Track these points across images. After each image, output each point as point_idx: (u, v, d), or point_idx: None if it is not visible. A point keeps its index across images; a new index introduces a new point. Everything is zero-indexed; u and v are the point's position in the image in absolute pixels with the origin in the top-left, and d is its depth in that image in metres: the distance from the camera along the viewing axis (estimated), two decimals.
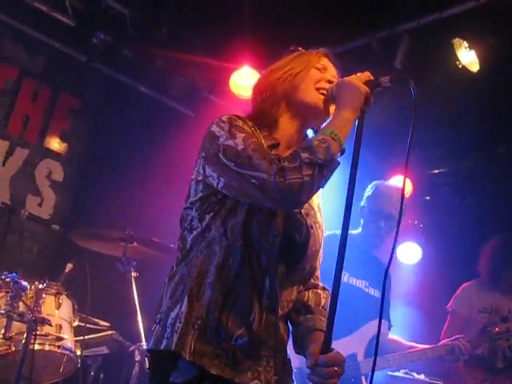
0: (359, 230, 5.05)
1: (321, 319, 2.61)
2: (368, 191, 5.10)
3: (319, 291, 2.73)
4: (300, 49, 2.80)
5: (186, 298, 2.37)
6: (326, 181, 2.36)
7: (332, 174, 2.36)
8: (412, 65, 5.80)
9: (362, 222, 5.04)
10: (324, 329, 2.50)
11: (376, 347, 2.52)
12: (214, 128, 2.45)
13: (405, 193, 2.58)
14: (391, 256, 2.47)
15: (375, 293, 4.91)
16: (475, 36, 5.45)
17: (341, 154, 2.39)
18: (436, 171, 7.60)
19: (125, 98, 6.72)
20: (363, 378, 4.69)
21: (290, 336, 2.64)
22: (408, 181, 7.16)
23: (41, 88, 6.43)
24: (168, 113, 7.02)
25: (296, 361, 2.75)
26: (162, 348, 2.35)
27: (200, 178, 2.48)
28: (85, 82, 6.69)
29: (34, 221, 6.10)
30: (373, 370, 2.64)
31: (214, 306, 2.37)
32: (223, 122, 2.46)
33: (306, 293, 2.70)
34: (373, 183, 5.17)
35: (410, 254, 7.20)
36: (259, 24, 5.89)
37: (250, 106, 2.73)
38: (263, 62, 6.13)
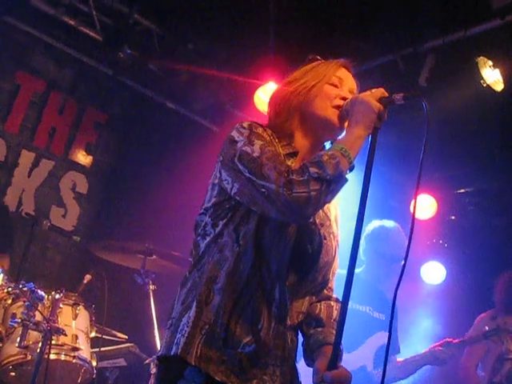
0: (363, 267, 5.20)
1: (331, 332, 2.59)
2: (367, 231, 5.25)
3: (332, 303, 2.71)
4: (318, 58, 2.79)
5: (195, 303, 2.38)
6: (333, 196, 2.36)
7: (339, 190, 2.35)
8: (436, 83, 5.78)
9: (364, 259, 5.21)
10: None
11: (386, 357, 2.51)
12: (234, 133, 2.48)
13: (414, 217, 2.55)
14: (400, 277, 2.43)
15: (380, 316, 5.04)
16: (500, 55, 5.41)
17: (350, 171, 2.38)
18: (462, 190, 7.53)
19: (150, 112, 6.77)
20: None
21: (300, 348, 2.63)
22: (433, 200, 7.12)
23: (67, 101, 6.50)
24: (192, 127, 7.06)
25: None
26: (171, 354, 2.35)
27: (216, 181, 2.51)
28: (111, 95, 6.76)
29: (57, 232, 6.15)
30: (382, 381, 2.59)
31: (223, 311, 2.37)
32: (244, 128, 2.48)
33: (319, 304, 2.68)
34: (371, 224, 5.31)
35: (434, 273, 7.15)
36: (285, 40, 5.91)
37: (266, 118, 2.74)
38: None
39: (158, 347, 4.76)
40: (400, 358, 5.19)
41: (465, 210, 7.62)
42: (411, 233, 2.49)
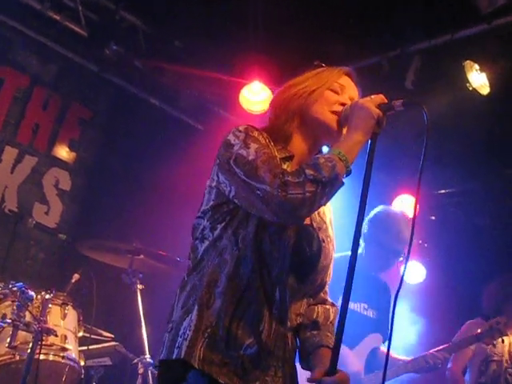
0: (360, 251, 5.02)
1: (327, 335, 2.63)
2: (370, 216, 5.11)
3: (328, 306, 2.74)
4: (323, 65, 2.81)
5: (196, 307, 2.39)
6: (329, 199, 2.40)
7: (335, 193, 2.39)
8: (422, 85, 5.82)
9: (363, 244, 5.06)
10: (330, 345, 2.56)
11: (386, 364, 2.51)
12: (231, 137, 2.49)
13: (415, 217, 2.57)
14: (401, 280, 2.46)
15: (373, 314, 5.00)
16: (486, 59, 5.48)
17: (347, 175, 2.40)
18: (442, 191, 7.61)
19: (135, 109, 6.74)
20: None
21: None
22: (413, 200, 7.18)
23: (51, 97, 6.43)
24: (177, 126, 7.04)
25: None
26: (173, 357, 2.35)
27: (213, 184, 2.52)
28: (96, 92, 6.70)
29: (40, 229, 6.11)
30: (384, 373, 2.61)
31: (224, 314, 2.38)
32: (240, 131, 2.50)
33: (316, 307, 2.71)
34: (376, 209, 5.17)
35: (414, 273, 7.20)
36: (270, 40, 5.92)
37: (265, 119, 2.76)
38: (273, 77, 6.18)
39: (146, 346, 4.77)
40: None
41: (445, 210, 7.70)
42: (411, 239, 2.52)
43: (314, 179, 2.29)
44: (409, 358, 5.14)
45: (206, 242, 2.50)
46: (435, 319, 7.03)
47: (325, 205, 2.47)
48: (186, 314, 2.41)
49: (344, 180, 2.39)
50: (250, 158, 2.37)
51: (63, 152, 6.48)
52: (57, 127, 6.46)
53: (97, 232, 6.02)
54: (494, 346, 5.32)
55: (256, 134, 2.50)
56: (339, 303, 2.45)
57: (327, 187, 2.32)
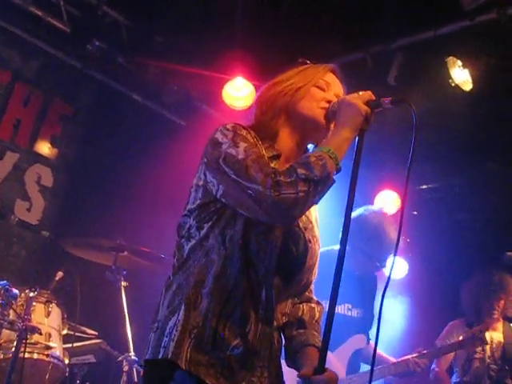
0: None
1: (313, 334, 2.63)
2: (356, 221, 4.81)
3: (313, 305, 2.74)
4: (308, 62, 2.81)
5: (182, 307, 2.37)
6: (321, 197, 2.37)
7: (327, 191, 2.37)
8: (405, 81, 5.84)
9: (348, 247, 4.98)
10: (316, 344, 2.56)
11: (372, 363, 2.55)
12: (218, 135, 2.47)
13: (402, 216, 2.57)
14: (388, 279, 2.45)
15: (358, 313, 4.96)
16: (469, 55, 5.50)
17: (336, 172, 2.39)
18: (424, 186, 7.65)
19: (118, 105, 6.71)
20: None
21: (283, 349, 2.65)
22: (395, 195, 7.21)
23: (33, 93, 6.38)
24: (160, 122, 7.01)
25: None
26: (159, 357, 2.34)
27: (200, 183, 2.49)
28: (78, 88, 6.66)
29: (22, 226, 6.07)
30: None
31: (211, 315, 2.36)
32: (227, 129, 2.47)
33: (301, 306, 2.70)
34: (357, 212, 4.96)
35: (396, 268, 7.23)
36: (253, 36, 5.91)
37: (250, 117, 2.73)
38: (256, 73, 6.18)
39: (130, 344, 4.75)
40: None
41: (427, 205, 7.73)
42: (398, 238, 2.52)
43: (306, 178, 2.28)
44: (393, 359, 5.13)
45: (193, 241, 2.47)
46: (418, 314, 7.07)
47: (317, 203, 2.45)
48: (172, 313, 2.39)
49: (334, 178, 2.38)
50: (240, 157, 2.35)
51: (45, 148, 6.44)
52: (38, 123, 6.42)
53: (80, 229, 5.99)
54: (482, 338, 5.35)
55: (244, 132, 2.48)
56: (325, 305, 2.45)
57: (319, 186, 2.31)
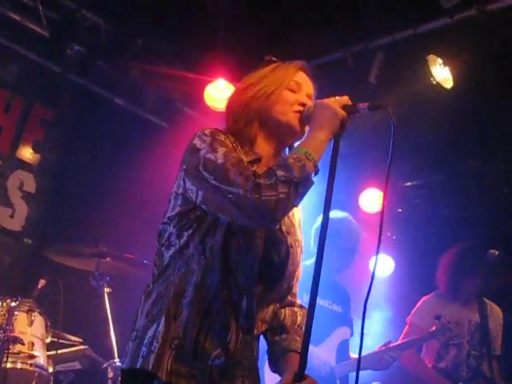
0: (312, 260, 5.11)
1: (296, 339, 2.61)
2: (318, 224, 5.10)
3: (295, 309, 2.73)
4: (275, 60, 2.78)
5: (163, 318, 2.35)
6: (301, 199, 2.37)
7: (307, 192, 2.36)
8: (386, 80, 5.84)
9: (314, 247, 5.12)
10: (299, 350, 2.52)
11: (359, 353, 2.53)
12: (196, 141, 2.45)
13: (383, 212, 2.57)
14: (372, 276, 2.47)
15: (338, 309, 5.17)
16: (450, 53, 5.51)
17: (315, 174, 2.39)
18: (408, 184, 7.66)
19: (99, 109, 6.65)
20: (338, 382, 4.91)
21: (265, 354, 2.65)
22: (380, 193, 7.22)
23: (13, 99, 6.32)
24: (142, 125, 6.97)
25: None
26: (137, 367, 2.32)
27: (180, 191, 2.48)
28: (58, 93, 6.60)
29: (5, 233, 6.02)
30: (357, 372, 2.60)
31: (192, 325, 2.35)
32: (205, 135, 2.45)
33: (283, 310, 2.69)
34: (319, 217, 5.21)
35: (382, 266, 7.23)
36: (234, 37, 5.90)
37: (223, 122, 2.71)
38: (238, 74, 6.11)
39: (115, 350, 4.75)
40: (353, 355, 5.27)
41: (412, 202, 7.75)
42: (380, 234, 2.51)
43: (286, 180, 2.27)
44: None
45: (173, 249, 2.46)
46: (404, 311, 7.07)
47: (297, 205, 2.45)
48: (151, 322, 2.38)
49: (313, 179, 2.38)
50: (219, 161, 2.34)
51: (27, 154, 6.38)
52: (20, 129, 6.35)
53: (62, 235, 5.96)
54: (451, 325, 5.33)
55: (223, 137, 2.47)
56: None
57: (299, 187, 2.30)
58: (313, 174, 2.37)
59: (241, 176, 2.28)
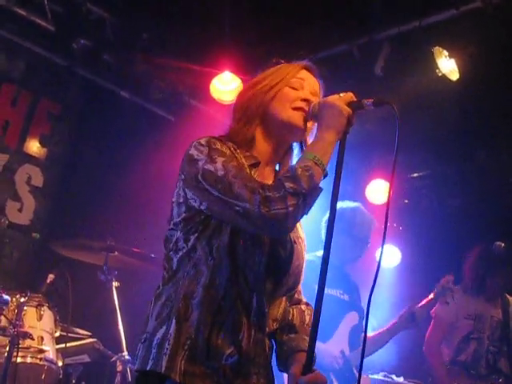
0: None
1: (304, 338, 2.61)
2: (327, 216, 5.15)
3: (303, 307, 2.74)
4: (282, 61, 2.78)
5: (173, 320, 2.36)
6: (310, 208, 2.36)
7: (315, 201, 2.36)
8: (392, 72, 5.84)
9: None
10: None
11: (363, 346, 2.53)
12: (193, 151, 2.43)
13: (389, 203, 2.57)
14: (375, 279, 2.44)
15: (346, 297, 5.17)
16: (455, 45, 5.50)
17: (324, 178, 2.39)
18: (415, 175, 7.67)
19: (105, 102, 6.68)
20: (354, 369, 4.94)
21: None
22: (386, 184, 7.22)
23: (20, 93, 6.35)
24: (149, 117, 6.99)
25: None
26: (147, 369, 2.34)
27: (181, 200, 2.47)
28: (65, 86, 6.62)
29: (13, 227, 6.06)
30: (361, 364, 2.60)
31: (203, 325, 2.36)
32: (202, 145, 2.44)
33: (291, 309, 2.70)
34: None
35: (389, 257, 7.25)
36: (240, 30, 5.89)
37: (229, 115, 2.71)
38: (244, 67, 6.17)
39: (123, 343, 4.77)
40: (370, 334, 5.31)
41: (418, 193, 7.76)
42: (385, 225, 2.49)
43: (295, 192, 2.26)
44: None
45: (180, 253, 2.46)
46: (411, 302, 7.08)
47: (307, 214, 2.42)
48: (160, 325, 2.39)
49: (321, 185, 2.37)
50: (220, 173, 2.32)
51: (34, 148, 6.41)
52: (27, 123, 6.38)
53: (70, 229, 6.00)
54: (474, 320, 5.38)
55: (219, 145, 2.45)
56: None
57: (308, 198, 2.29)
58: (321, 179, 2.36)
59: (245, 189, 2.27)
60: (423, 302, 5.28)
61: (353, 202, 5.40)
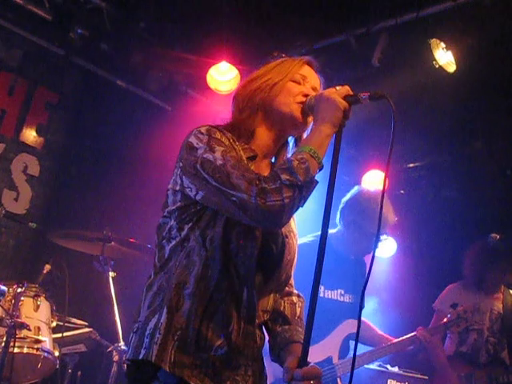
0: (335, 230, 5.03)
1: (297, 330, 2.65)
2: (347, 199, 5.07)
3: (294, 299, 2.77)
4: (283, 56, 2.80)
5: (165, 309, 2.38)
6: (305, 201, 2.37)
7: (311, 193, 2.37)
8: (389, 63, 5.84)
9: (340, 223, 5.04)
10: (301, 340, 2.55)
11: (355, 350, 2.54)
12: (192, 139, 2.45)
13: (383, 194, 2.57)
14: (370, 268, 2.47)
15: (350, 299, 5.02)
16: (452, 37, 5.50)
17: (319, 170, 2.40)
18: (411, 165, 7.68)
19: (102, 92, 6.67)
20: (338, 380, 4.79)
21: (266, 344, 2.68)
22: (383, 175, 7.23)
23: (17, 82, 6.33)
24: (146, 107, 6.98)
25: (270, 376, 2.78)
26: (140, 358, 2.36)
27: (177, 188, 2.49)
28: (62, 75, 6.60)
29: (10, 216, 6.05)
30: (352, 370, 2.62)
31: (194, 316, 2.38)
32: (202, 133, 2.46)
33: (282, 302, 2.73)
34: (353, 191, 5.13)
35: (384, 247, 7.25)
36: (238, 20, 5.88)
37: (229, 115, 2.73)
38: (241, 57, 6.16)
39: (120, 333, 4.78)
40: (370, 323, 5.31)
41: (414, 184, 7.77)
42: (380, 215, 2.56)
43: (291, 184, 2.28)
44: (393, 339, 5.19)
45: (173, 242, 2.48)
46: (407, 293, 7.12)
47: (303, 207, 2.44)
48: (152, 314, 2.41)
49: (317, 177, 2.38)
50: (218, 163, 2.34)
51: (31, 137, 6.40)
52: (24, 112, 6.37)
53: (67, 218, 6.00)
54: (473, 313, 5.38)
55: (219, 135, 2.47)
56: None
57: (303, 190, 2.31)
58: (317, 172, 2.37)
59: (243, 180, 2.29)
60: (433, 325, 5.31)
61: (375, 190, 5.21)
